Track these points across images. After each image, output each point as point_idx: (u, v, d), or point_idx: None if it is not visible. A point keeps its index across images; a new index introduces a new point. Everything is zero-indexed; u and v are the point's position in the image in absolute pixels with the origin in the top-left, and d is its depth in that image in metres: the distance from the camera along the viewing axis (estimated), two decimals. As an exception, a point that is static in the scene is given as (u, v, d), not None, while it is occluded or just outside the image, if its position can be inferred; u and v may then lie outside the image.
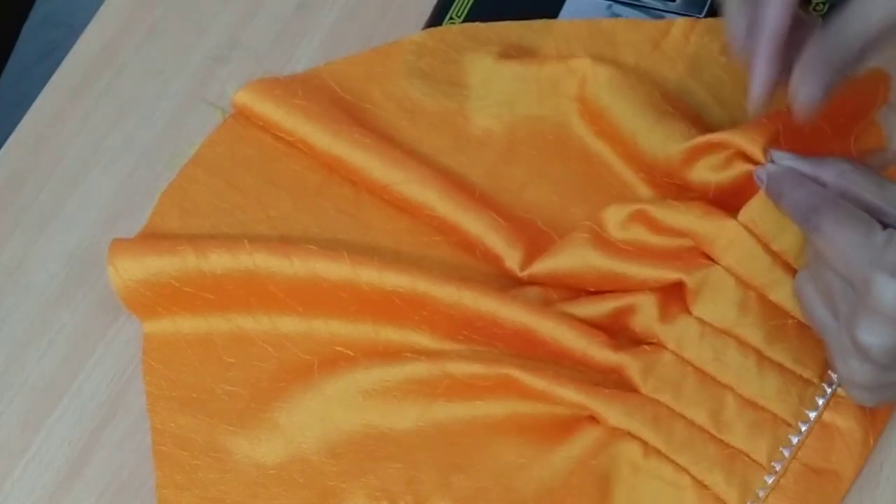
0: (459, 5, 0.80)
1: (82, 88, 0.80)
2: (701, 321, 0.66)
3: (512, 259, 0.69)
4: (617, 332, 0.68)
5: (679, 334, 0.66)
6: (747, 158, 0.67)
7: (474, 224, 0.70)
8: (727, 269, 0.66)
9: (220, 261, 0.69)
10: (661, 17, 0.78)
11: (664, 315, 0.67)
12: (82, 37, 0.82)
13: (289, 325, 0.70)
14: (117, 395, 0.70)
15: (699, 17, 0.78)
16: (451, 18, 0.80)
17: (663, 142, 0.70)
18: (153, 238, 0.72)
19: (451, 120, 0.76)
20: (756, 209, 0.66)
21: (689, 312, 0.67)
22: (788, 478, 0.63)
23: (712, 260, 0.67)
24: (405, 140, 0.75)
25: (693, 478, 0.64)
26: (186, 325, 0.70)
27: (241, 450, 0.67)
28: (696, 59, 0.76)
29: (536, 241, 0.71)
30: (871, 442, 0.64)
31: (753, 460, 0.64)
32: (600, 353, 0.66)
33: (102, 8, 0.83)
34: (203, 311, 0.70)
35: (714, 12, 0.78)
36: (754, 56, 0.62)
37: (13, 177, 0.77)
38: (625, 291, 0.68)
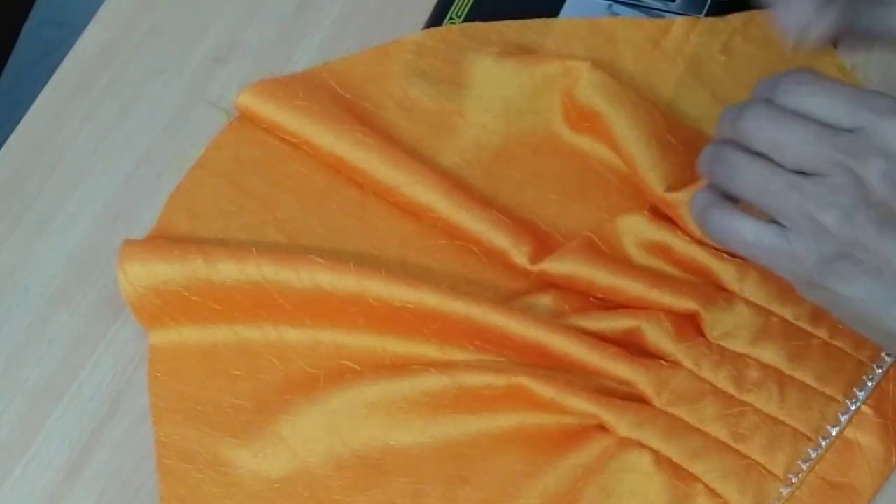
0: (459, 5, 0.80)
1: (82, 88, 0.80)
2: (719, 345, 0.67)
3: (520, 253, 0.69)
4: (630, 347, 0.67)
5: (696, 354, 0.66)
6: None
7: (478, 222, 0.70)
8: (746, 301, 0.67)
9: (229, 271, 0.68)
10: (662, 17, 0.78)
11: (680, 335, 0.67)
12: (82, 37, 0.82)
13: (295, 337, 0.70)
14: (117, 395, 0.70)
15: (699, 17, 0.78)
16: (451, 18, 0.80)
17: (662, 182, 0.70)
18: (164, 241, 0.71)
19: (449, 120, 0.76)
20: None
21: (704, 336, 0.67)
22: (804, 490, 0.63)
23: (728, 291, 0.67)
24: (404, 139, 0.75)
25: (706, 486, 0.63)
26: (193, 336, 0.70)
27: (246, 463, 0.66)
28: (696, 58, 0.76)
29: (540, 237, 0.71)
30: (894, 459, 0.64)
31: (769, 472, 0.63)
32: (613, 365, 0.66)
33: (102, 8, 0.83)
34: (210, 322, 0.70)
35: (714, 12, 0.78)
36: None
37: (13, 177, 0.77)
38: (636, 308, 0.68)
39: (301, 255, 0.69)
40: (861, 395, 0.64)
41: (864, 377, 0.65)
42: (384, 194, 0.73)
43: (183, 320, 0.70)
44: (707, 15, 0.78)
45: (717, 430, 0.64)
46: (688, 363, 0.66)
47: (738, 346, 0.66)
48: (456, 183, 0.72)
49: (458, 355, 0.68)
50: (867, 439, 0.64)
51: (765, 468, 0.63)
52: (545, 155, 0.74)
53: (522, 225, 0.71)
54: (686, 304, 0.67)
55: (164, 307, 0.69)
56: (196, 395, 0.69)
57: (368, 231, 0.72)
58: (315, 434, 0.67)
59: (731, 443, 0.64)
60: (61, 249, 0.75)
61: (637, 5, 0.79)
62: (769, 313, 0.67)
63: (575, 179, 0.73)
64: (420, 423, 0.66)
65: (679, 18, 0.77)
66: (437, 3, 0.80)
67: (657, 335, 0.67)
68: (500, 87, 0.76)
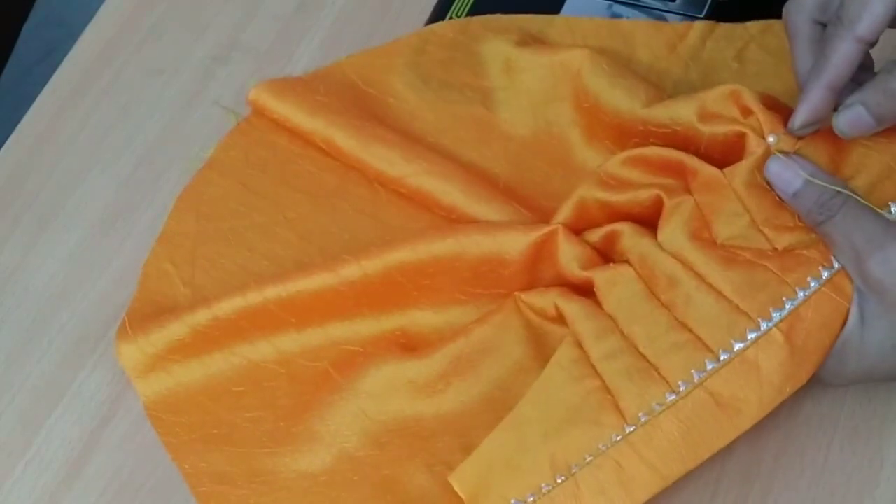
0: (459, 5, 0.80)
1: (82, 88, 0.80)
2: (660, 245, 0.65)
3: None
4: (607, 250, 0.68)
5: (641, 251, 0.65)
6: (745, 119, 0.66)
7: (498, 217, 0.70)
8: (697, 203, 0.66)
9: (219, 305, 0.69)
10: (662, 17, 0.78)
11: (637, 234, 0.66)
12: (82, 37, 0.82)
13: (286, 342, 0.70)
14: (117, 395, 0.70)
15: (718, 23, 0.77)
16: (451, 19, 0.80)
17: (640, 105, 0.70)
18: (151, 320, 0.70)
19: (474, 110, 0.76)
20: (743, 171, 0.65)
21: (655, 237, 0.66)
22: (688, 401, 0.61)
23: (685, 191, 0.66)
24: (429, 131, 0.75)
25: (602, 382, 0.62)
26: (182, 370, 0.69)
27: (286, 466, 0.66)
28: (709, 64, 0.75)
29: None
30: (787, 391, 0.61)
31: (662, 376, 0.61)
32: (582, 272, 0.67)
33: (102, 8, 0.83)
34: (194, 351, 0.69)
35: (713, 13, 0.78)
36: (807, 91, 0.63)
37: (13, 177, 0.77)
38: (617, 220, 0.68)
39: (292, 272, 0.69)
40: (776, 316, 0.61)
41: (784, 298, 0.61)
42: (394, 184, 0.72)
43: (166, 355, 0.69)
44: (707, 15, 0.78)
45: (635, 331, 0.63)
46: (633, 258, 0.65)
47: (676, 245, 0.65)
48: (476, 173, 0.72)
49: (453, 311, 0.69)
50: (768, 364, 0.61)
51: (658, 372, 0.62)
52: (574, 146, 0.74)
53: (543, 217, 0.70)
54: (653, 191, 0.66)
55: (150, 357, 0.69)
56: (207, 421, 0.68)
57: (381, 228, 0.72)
58: (345, 420, 0.67)
59: (639, 346, 0.63)
60: (61, 249, 0.75)
61: (637, 5, 0.79)
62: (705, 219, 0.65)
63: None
64: (441, 385, 0.67)
65: (698, 23, 0.77)
66: (437, 4, 0.80)
67: (624, 237, 0.67)
68: (524, 78, 0.76)
